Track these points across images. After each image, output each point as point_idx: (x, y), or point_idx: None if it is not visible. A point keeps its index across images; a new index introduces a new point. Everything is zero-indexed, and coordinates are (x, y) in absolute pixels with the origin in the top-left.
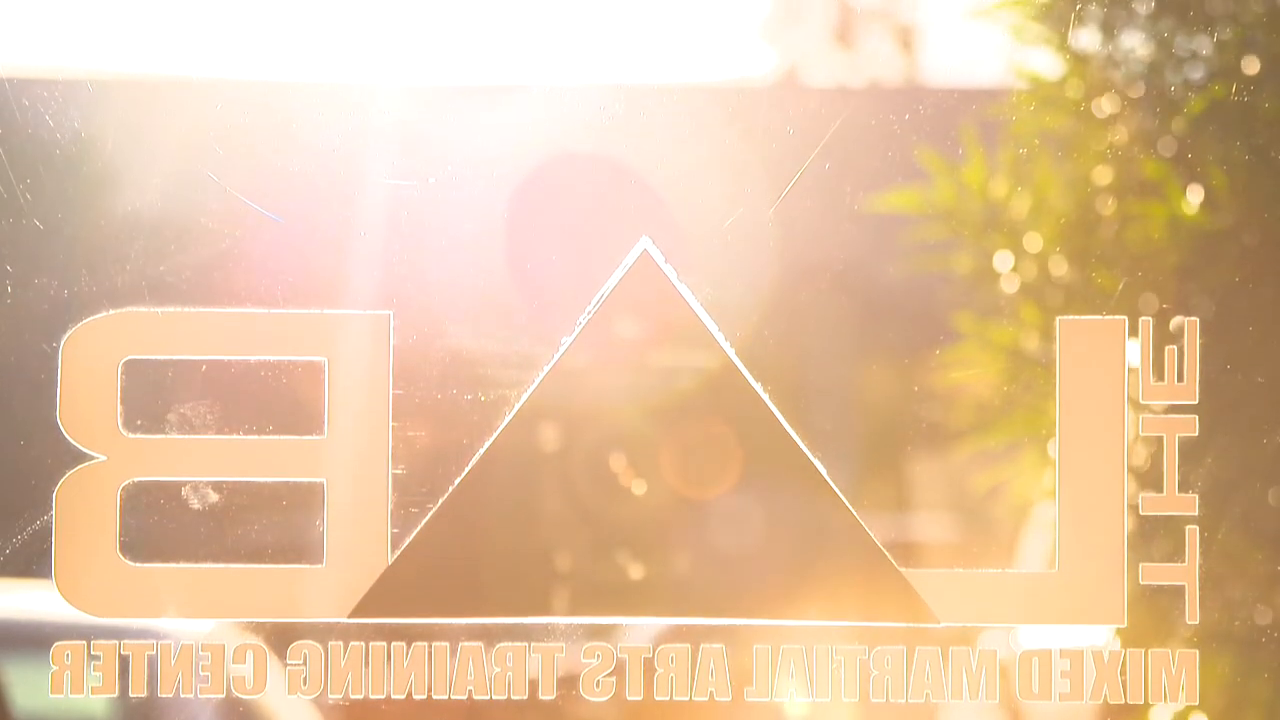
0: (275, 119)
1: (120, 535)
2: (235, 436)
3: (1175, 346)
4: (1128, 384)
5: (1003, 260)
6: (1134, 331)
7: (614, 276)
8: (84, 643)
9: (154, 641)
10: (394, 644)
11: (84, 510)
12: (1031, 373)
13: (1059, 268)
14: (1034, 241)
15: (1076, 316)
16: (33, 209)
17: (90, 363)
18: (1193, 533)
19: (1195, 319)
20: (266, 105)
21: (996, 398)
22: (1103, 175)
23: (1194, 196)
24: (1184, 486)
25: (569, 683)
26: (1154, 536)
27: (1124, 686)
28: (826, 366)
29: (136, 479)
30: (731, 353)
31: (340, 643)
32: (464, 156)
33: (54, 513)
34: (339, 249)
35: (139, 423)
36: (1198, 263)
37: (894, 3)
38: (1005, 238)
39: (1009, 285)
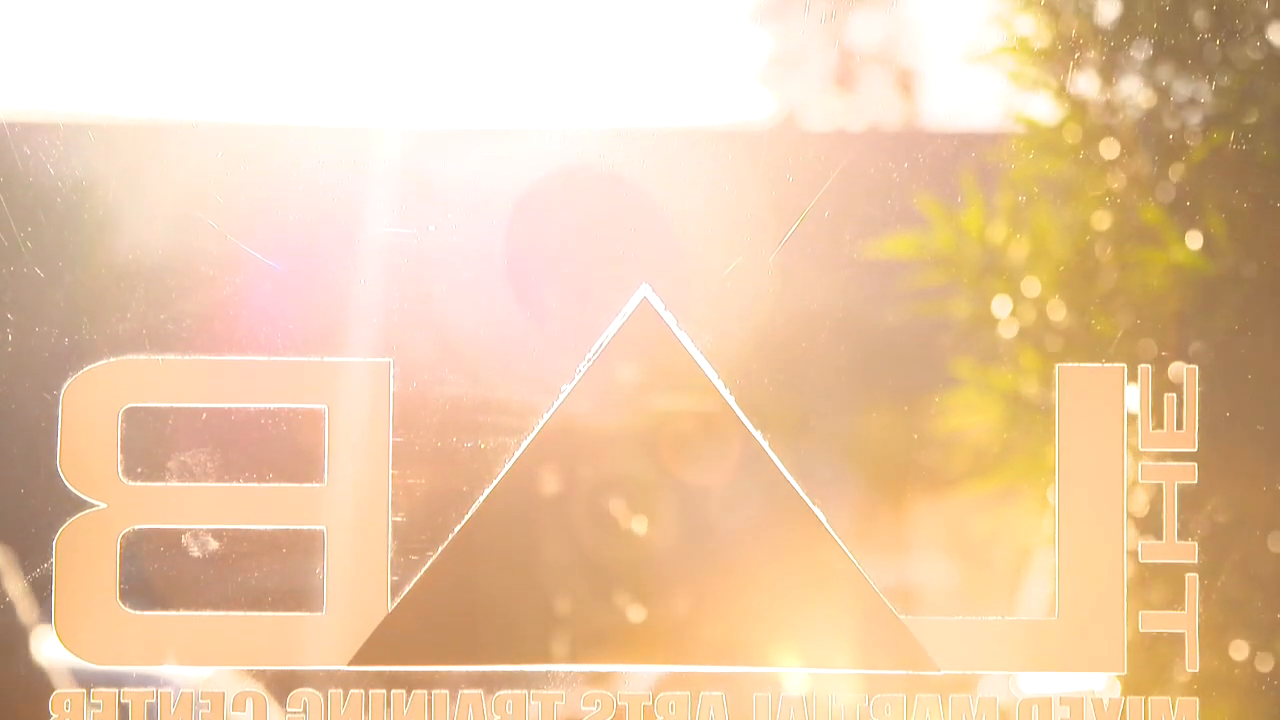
0: (275, 166)
1: (120, 583)
2: (235, 484)
3: (1174, 394)
4: (1127, 431)
5: (1001, 306)
6: (1133, 378)
7: (614, 324)
8: (83, 690)
9: (154, 689)
10: (394, 692)
11: (84, 558)
12: (1031, 418)
13: (1058, 313)
14: (1033, 287)
15: (1076, 364)
16: (34, 257)
17: (91, 410)
18: (1192, 580)
19: (1195, 367)
20: (267, 152)
21: (996, 443)
22: (1101, 221)
23: (1193, 243)
24: (1184, 534)
25: None
26: (1154, 584)
27: None
28: (826, 413)
29: (136, 526)
30: (731, 400)
31: (340, 690)
32: (464, 202)
33: (54, 560)
34: (339, 296)
35: (139, 470)
36: (1197, 310)
37: (894, 48)
38: (1004, 283)
39: (1008, 331)
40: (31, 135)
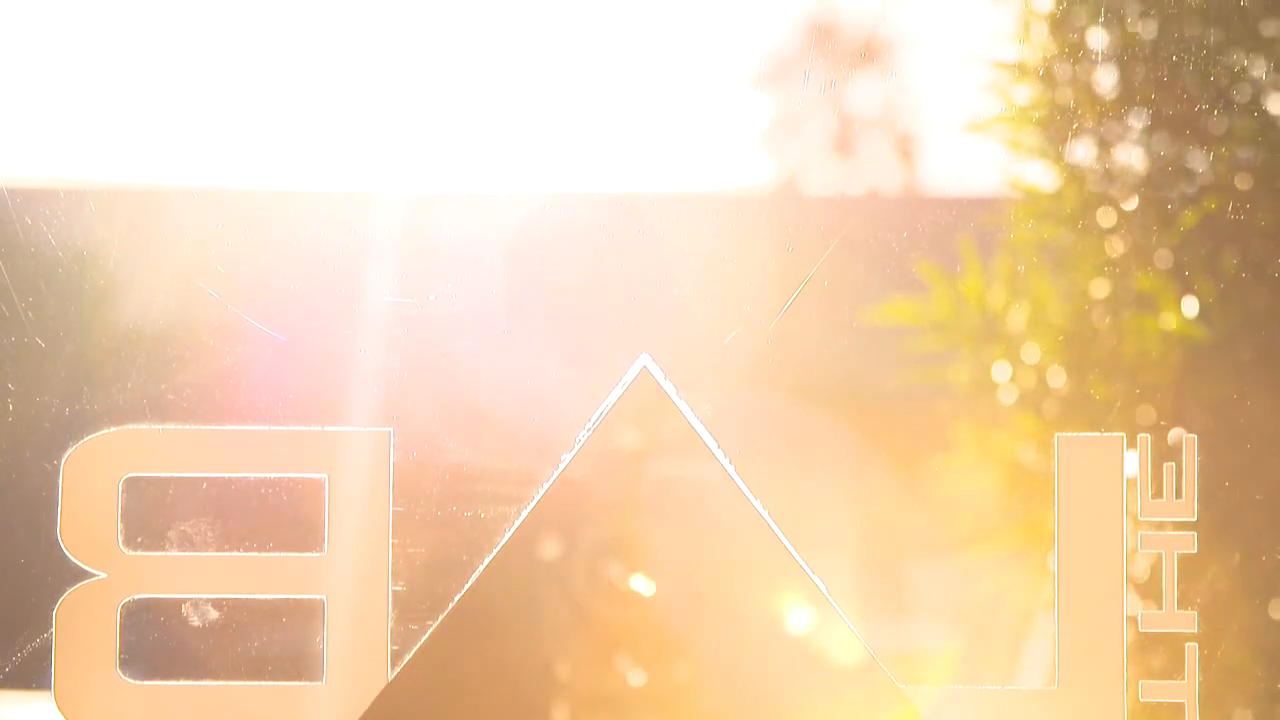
0: (275, 234)
1: (120, 652)
2: (235, 553)
3: (1174, 463)
4: (1126, 500)
5: (1001, 372)
6: (1132, 445)
7: (614, 393)
8: None
9: None
10: None
11: (84, 627)
12: (1030, 485)
13: (1057, 380)
14: (1032, 354)
15: (1075, 433)
16: (34, 327)
17: (91, 480)
18: (1192, 649)
19: (1194, 436)
20: (267, 220)
21: (995, 510)
22: (1100, 289)
23: (1191, 311)
24: (1184, 603)
25: None
26: (1154, 653)
27: None
28: (826, 481)
29: (137, 596)
30: (730, 469)
31: None
32: (463, 270)
33: (54, 630)
34: (340, 366)
35: (139, 540)
36: (1196, 378)
37: (893, 115)
38: (1003, 349)
39: (1007, 397)
40: (33, 205)
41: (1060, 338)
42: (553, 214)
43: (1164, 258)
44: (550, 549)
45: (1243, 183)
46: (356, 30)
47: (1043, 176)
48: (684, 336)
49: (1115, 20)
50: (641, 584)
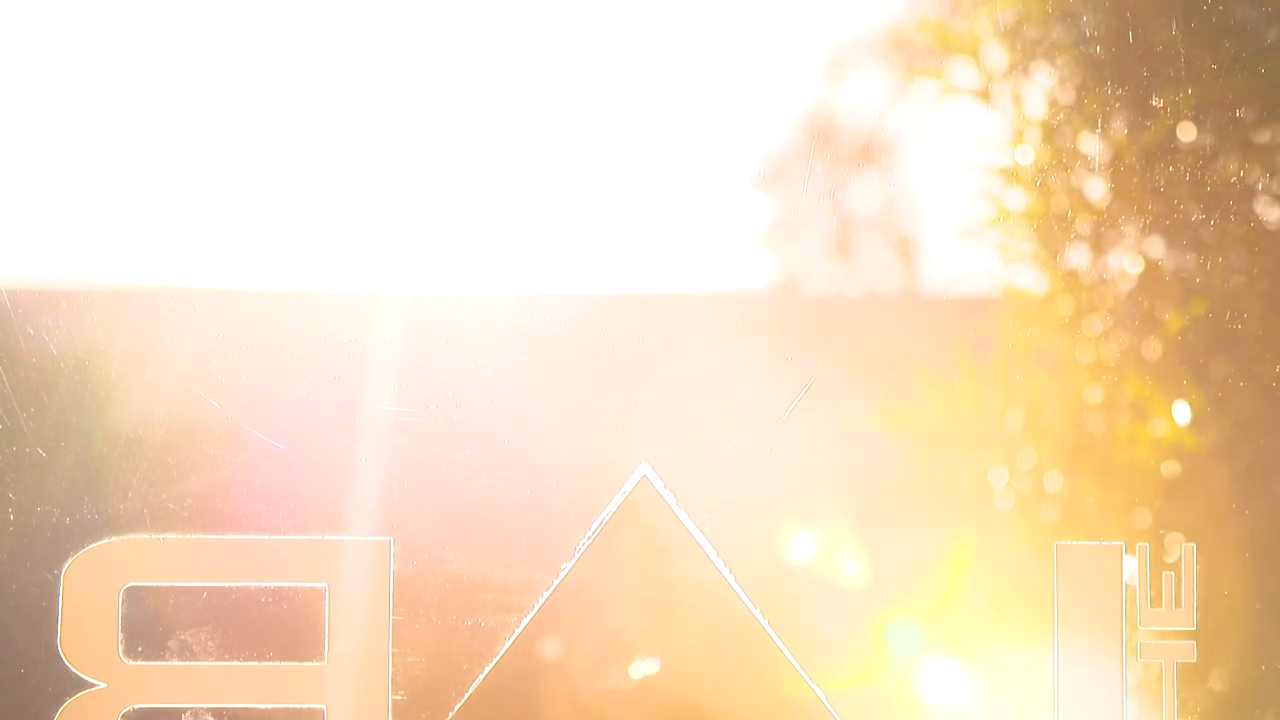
0: (276, 341)
1: None
2: (236, 663)
3: (1172, 572)
4: (1125, 610)
5: (997, 478)
6: (1130, 553)
7: (614, 502)
8: None
9: None
10: None
11: None
12: (1029, 592)
13: (1054, 486)
14: (1029, 459)
15: (1074, 541)
16: (35, 436)
17: (91, 590)
18: None
19: (1193, 545)
20: (268, 326)
21: (994, 617)
22: (1095, 395)
23: (1184, 418)
24: (1183, 712)
25: None
26: None
27: None
28: (825, 590)
29: (137, 706)
30: (731, 579)
31: None
32: (462, 377)
33: None
34: (340, 475)
35: (140, 649)
36: (1193, 487)
37: (892, 219)
38: (1000, 455)
39: (1004, 503)
40: (34, 314)
41: (1057, 444)
42: (552, 316)
43: (1158, 366)
44: (549, 659)
45: (1236, 286)
46: (357, 132)
47: (1038, 281)
48: (684, 444)
49: (1110, 127)
50: (641, 695)
